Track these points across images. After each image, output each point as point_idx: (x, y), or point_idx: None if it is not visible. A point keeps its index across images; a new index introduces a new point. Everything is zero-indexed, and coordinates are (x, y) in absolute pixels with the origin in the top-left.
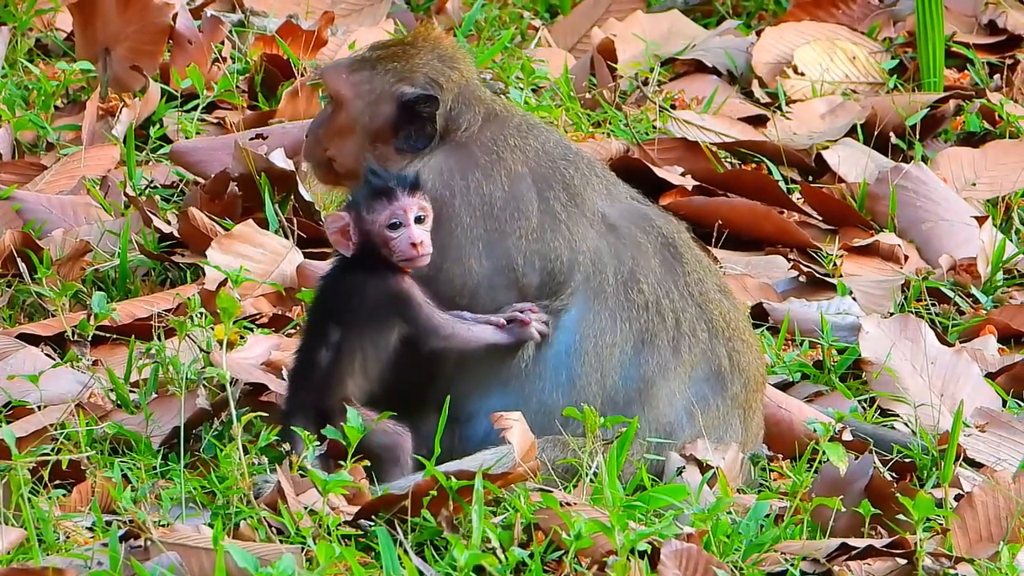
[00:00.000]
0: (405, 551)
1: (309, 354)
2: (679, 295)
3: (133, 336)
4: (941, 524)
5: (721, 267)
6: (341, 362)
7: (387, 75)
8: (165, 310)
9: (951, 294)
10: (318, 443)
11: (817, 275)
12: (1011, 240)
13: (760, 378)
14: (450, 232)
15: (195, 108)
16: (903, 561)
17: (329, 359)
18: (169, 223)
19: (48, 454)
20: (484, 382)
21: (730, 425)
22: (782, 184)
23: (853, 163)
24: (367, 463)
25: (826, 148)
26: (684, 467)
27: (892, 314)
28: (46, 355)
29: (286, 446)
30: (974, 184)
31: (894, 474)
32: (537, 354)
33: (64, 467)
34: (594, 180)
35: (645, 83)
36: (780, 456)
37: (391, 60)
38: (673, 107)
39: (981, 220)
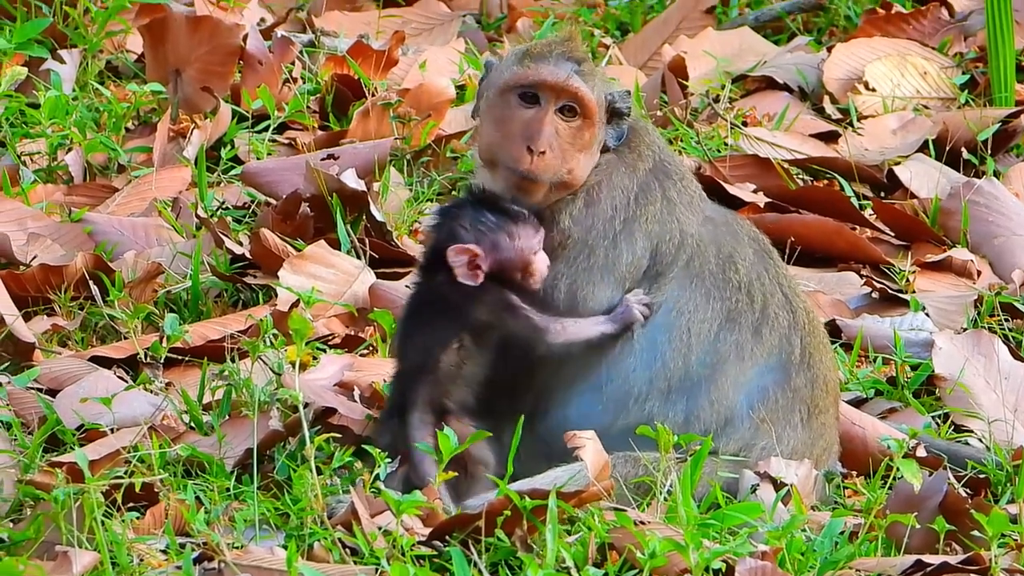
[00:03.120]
0: (480, 571)
1: (434, 352)
2: (769, 280)
3: (206, 358)
4: (1016, 540)
5: None
6: (469, 363)
7: (599, 85)
8: (237, 331)
9: None
10: (390, 460)
11: (890, 291)
12: None
13: (832, 382)
14: (591, 227)
15: (266, 129)
16: None
17: (457, 360)
18: (241, 244)
19: (121, 477)
20: (571, 370)
21: (789, 421)
22: (854, 200)
23: (925, 179)
24: (453, 475)
25: (898, 164)
26: (758, 484)
27: (965, 330)
28: (119, 378)
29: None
30: None
31: (968, 490)
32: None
33: (137, 490)
34: (693, 179)
35: (716, 100)
36: (854, 473)
37: (593, 71)
38: (744, 124)
39: None
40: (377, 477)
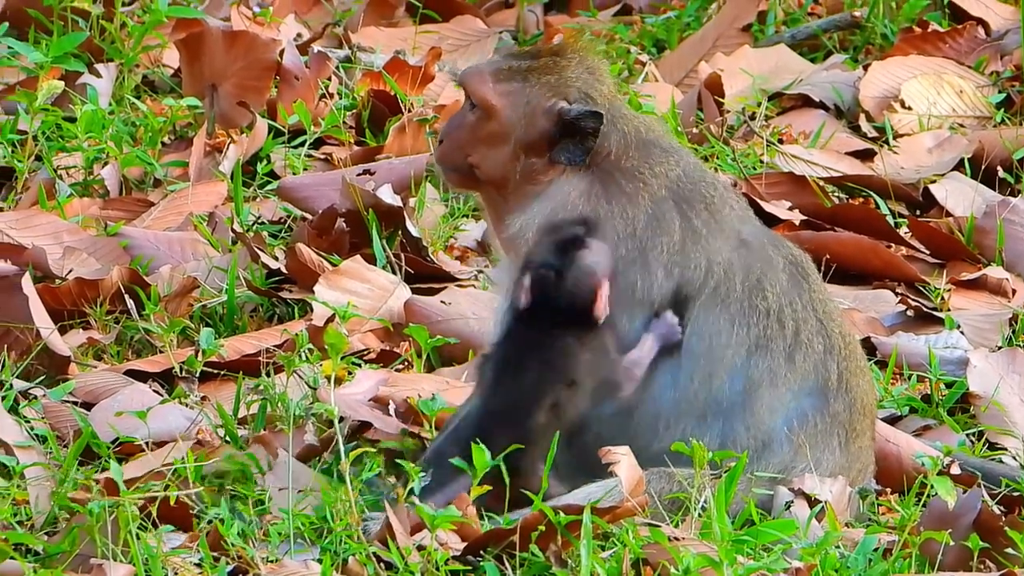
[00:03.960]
0: None
1: (524, 415)
2: (802, 306)
3: (241, 372)
4: None
5: None
6: (559, 423)
7: (542, 88)
8: (273, 346)
9: None
10: (423, 474)
11: (925, 309)
12: None
13: (869, 405)
14: None
15: (302, 144)
16: None
17: (547, 421)
18: (277, 259)
19: (156, 490)
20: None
21: (828, 445)
22: (889, 218)
23: (960, 197)
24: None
25: (933, 182)
26: (793, 501)
27: (1000, 348)
28: (154, 391)
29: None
30: None
31: (1002, 508)
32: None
33: (172, 503)
34: (731, 201)
35: (752, 117)
36: (888, 490)
37: (544, 72)
38: (780, 141)
39: None
40: (412, 492)
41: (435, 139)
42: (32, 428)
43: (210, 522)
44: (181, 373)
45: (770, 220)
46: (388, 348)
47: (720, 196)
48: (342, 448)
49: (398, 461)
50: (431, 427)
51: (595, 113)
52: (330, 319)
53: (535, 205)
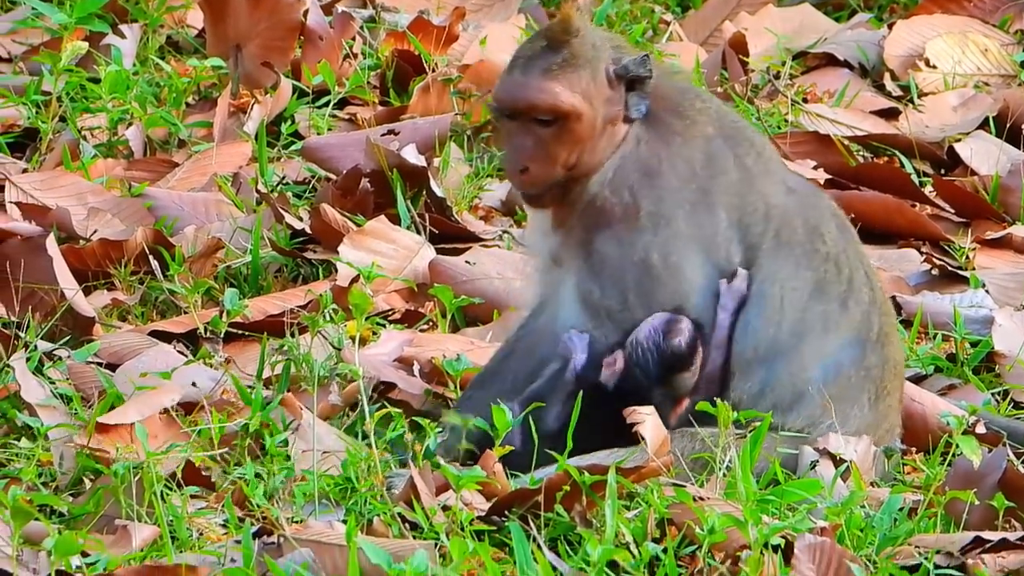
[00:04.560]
0: (538, 546)
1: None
2: (852, 255)
3: (265, 333)
4: None
5: None
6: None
7: (592, 64)
8: (297, 307)
9: None
10: (440, 430)
11: (950, 268)
12: None
13: (899, 366)
14: (660, 198)
15: (326, 104)
16: None
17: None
18: (301, 219)
19: (180, 450)
20: None
21: (858, 400)
22: (914, 177)
23: (985, 156)
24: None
25: (958, 141)
26: (818, 461)
27: None
28: (179, 352)
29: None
30: None
31: None
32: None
33: (197, 464)
34: (769, 146)
35: (777, 77)
36: (913, 449)
37: (579, 52)
38: (805, 100)
39: None
40: (428, 451)
41: (515, 172)
42: (57, 389)
43: (234, 482)
44: (206, 334)
45: None
46: (413, 308)
47: (760, 139)
48: (367, 408)
49: (418, 419)
50: (456, 387)
51: (643, 56)
52: (354, 279)
53: (607, 164)
